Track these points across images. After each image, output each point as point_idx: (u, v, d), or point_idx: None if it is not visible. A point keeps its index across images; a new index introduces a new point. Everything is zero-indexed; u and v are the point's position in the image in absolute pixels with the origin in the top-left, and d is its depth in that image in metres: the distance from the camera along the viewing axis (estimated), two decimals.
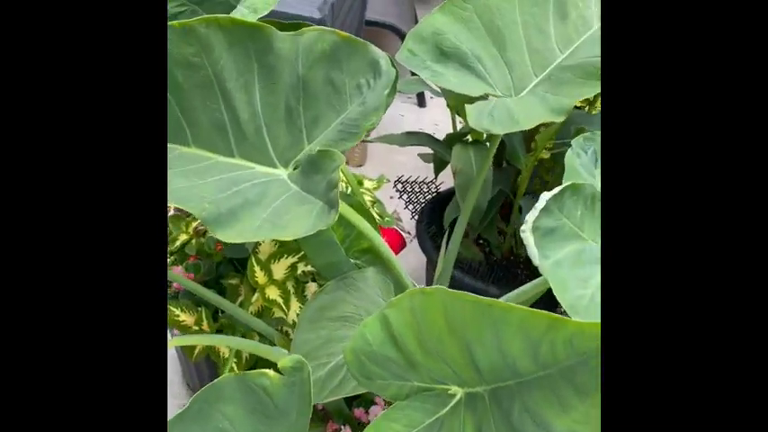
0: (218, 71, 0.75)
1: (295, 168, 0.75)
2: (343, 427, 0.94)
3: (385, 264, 0.89)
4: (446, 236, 1.16)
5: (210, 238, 1.11)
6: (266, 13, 0.80)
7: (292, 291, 1.01)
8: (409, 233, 1.60)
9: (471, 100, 0.83)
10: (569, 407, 0.54)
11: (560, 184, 1.35)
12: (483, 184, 1.21)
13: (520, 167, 1.29)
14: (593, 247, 0.60)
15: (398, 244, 1.36)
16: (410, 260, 1.62)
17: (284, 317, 1.00)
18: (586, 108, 1.29)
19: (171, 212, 1.14)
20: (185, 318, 1.04)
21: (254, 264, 1.00)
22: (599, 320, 0.49)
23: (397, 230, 1.31)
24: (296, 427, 0.61)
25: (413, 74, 0.88)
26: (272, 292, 0.99)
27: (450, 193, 1.51)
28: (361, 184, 1.17)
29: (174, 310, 1.04)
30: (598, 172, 0.70)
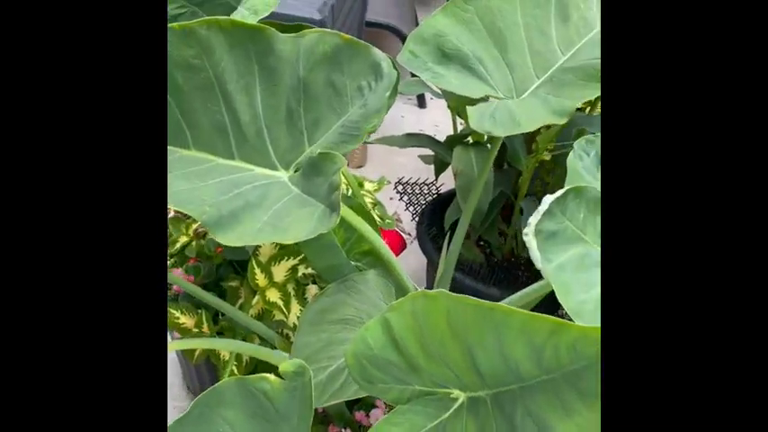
0: (218, 73, 0.74)
1: (296, 171, 0.75)
2: (343, 430, 0.94)
3: (386, 266, 0.88)
4: (447, 237, 1.16)
5: (210, 240, 1.11)
6: (267, 14, 0.80)
7: (293, 293, 1.01)
8: (410, 234, 1.59)
9: (472, 102, 0.83)
10: (573, 411, 0.54)
11: (561, 185, 1.34)
12: (484, 186, 1.21)
13: (521, 169, 1.29)
14: (596, 250, 0.60)
15: (399, 245, 1.36)
16: (410, 262, 1.61)
17: (285, 319, 0.99)
18: (587, 110, 1.28)
19: (171, 214, 1.14)
20: (185, 320, 1.03)
21: (255, 266, 1.00)
22: None
23: (397, 232, 1.30)
24: (297, 431, 0.61)
25: (413, 75, 0.88)
26: (273, 295, 0.99)
27: (450, 195, 1.50)
28: (361, 185, 1.16)
29: (174, 312, 1.03)
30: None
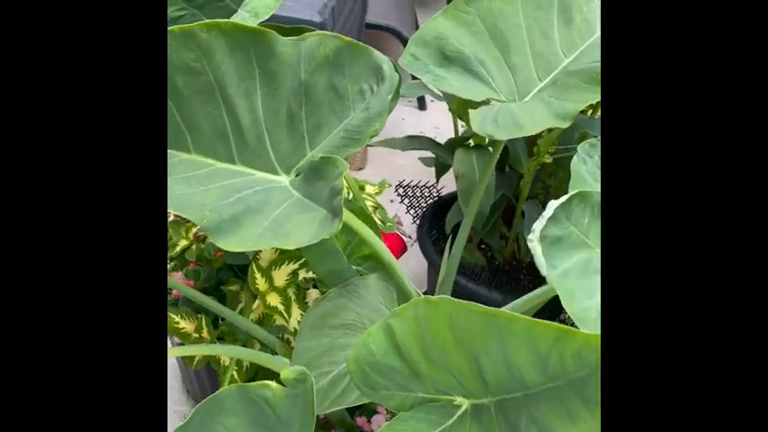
0: (219, 76, 0.74)
1: (297, 175, 0.74)
2: None
3: (387, 270, 0.88)
4: (449, 241, 1.15)
5: (211, 244, 1.10)
6: (267, 17, 0.79)
7: (293, 297, 1.00)
8: (410, 237, 1.59)
9: (474, 105, 0.82)
10: (578, 418, 0.53)
11: (563, 188, 1.34)
12: (485, 189, 1.20)
13: (522, 172, 1.29)
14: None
15: (399, 248, 1.35)
16: (411, 264, 1.61)
17: (285, 324, 0.99)
18: (590, 113, 1.28)
19: (171, 218, 1.13)
20: (185, 325, 1.03)
21: (255, 270, 0.99)
22: None
23: (398, 235, 1.30)
24: None
25: (413, 77, 0.87)
26: (273, 299, 0.98)
27: (451, 198, 1.50)
28: (362, 189, 1.16)
29: (174, 317, 1.03)
30: None
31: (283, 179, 0.75)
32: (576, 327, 0.54)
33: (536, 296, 0.81)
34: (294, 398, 0.62)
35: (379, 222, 1.12)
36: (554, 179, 1.32)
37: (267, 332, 0.99)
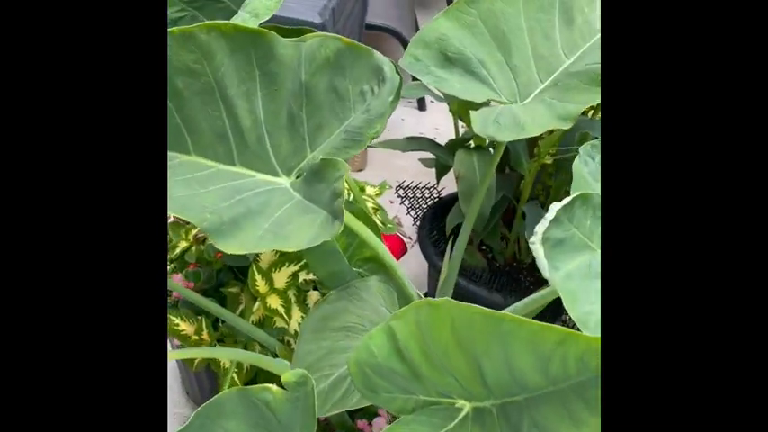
0: (219, 78, 0.74)
1: (298, 177, 0.74)
2: None
3: (388, 272, 0.87)
4: (450, 242, 1.15)
5: (210, 246, 1.10)
6: (268, 18, 0.79)
7: (294, 299, 1.00)
8: (410, 238, 1.59)
9: (475, 106, 0.82)
10: (580, 422, 0.53)
11: (563, 189, 1.34)
12: (486, 191, 1.20)
13: (523, 173, 1.28)
14: None
15: (399, 249, 1.35)
16: (411, 266, 1.60)
17: (286, 326, 0.98)
18: (590, 113, 1.28)
19: (170, 219, 1.13)
20: (185, 327, 1.02)
21: (255, 272, 0.99)
22: None
23: (398, 236, 1.30)
24: None
25: (414, 78, 0.87)
26: (274, 302, 0.98)
27: (452, 199, 1.49)
28: (363, 190, 1.16)
29: (174, 319, 1.02)
30: None
31: (284, 181, 0.74)
32: (579, 329, 0.54)
33: (538, 299, 0.81)
34: (295, 401, 0.61)
35: (379, 224, 1.12)
36: (555, 180, 1.32)
37: (267, 334, 0.98)
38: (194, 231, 1.12)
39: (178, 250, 1.11)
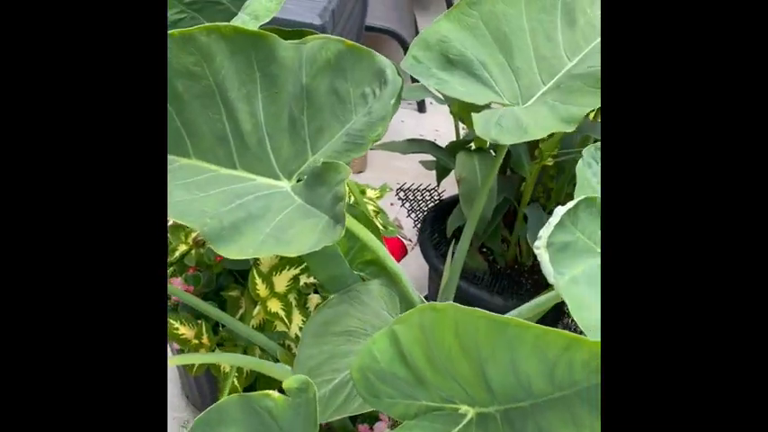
0: (219, 81, 0.73)
1: (298, 180, 0.73)
2: None
3: (390, 276, 0.87)
4: (452, 245, 1.14)
5: (210, 249, 1.09)
6: (268, 20, 0.78)
7: (294, 303, 0.99)
8: (410, 240, 1.58)
9: (477, 108, 0.81)
10: (585, 427, 0.53)
11: (564, 191, 1.33)
12: (488, 193, 1.19)
13: (524, 175, 1.28)
14: None
15: (399, 252, 1.34)
16: (411, 268, 1.60)
17: (286, 330, 0.98)
18: (592, 116, 1.27)
19: (170, 222, 1.12)
20: (185, 331, 1.02)
21: (256, 276, 0.98)
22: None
23: (398, 238, 1.29)
24: None
25: (413, 80, 0.87)
26: (274, 305, 0.97)
27: (452, 201, 1.49)
28: (363, 193, 1.15)
29: (174, 323, 1.02)
30: None
31: (285, 184, 0.74)
32: (584, 334, 0.53)
33: (542, 302, 0.80)
34: (297, 408, 0.61)
35: (380, 227, 1.11)
36: (556, 182, 1.31)
37: (268, 338, 0.97)
38: (194, 234, 1.12)
39: (177, 253, 1.10)
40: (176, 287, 1.01)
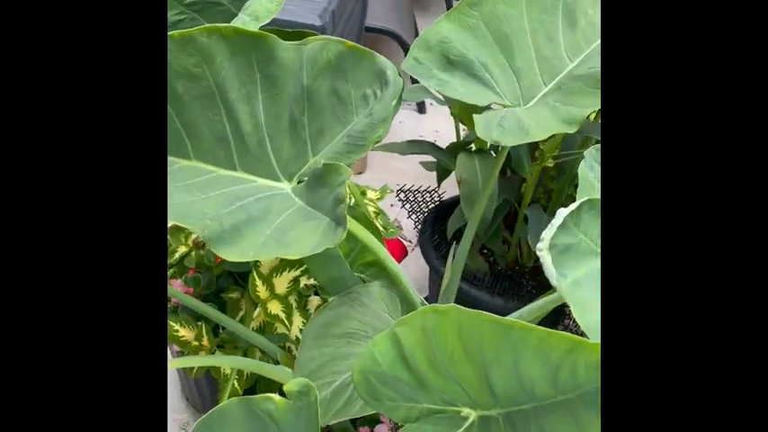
0: (219, 82, 0.73)
1: (299, 182, 0.73)
2: None
3: (391, 277, 0.86)
4: (453, 247, 1.14)
5: (210, 251, 1.09)
6: (268, 21, 0.78)
7: (295, 305, 0.99)
8: (411, 242, 1.58)
9: (477, 109, 0.81)
10: (588, 431, 0.52)
11: (565, 192, 1.33)
12: (489, 194, 1.19)
13: (525, 176, 1.27)
14: None
15: (400, 253, 1.34)
16: (411, 269, 1.59)
17: (287, 332, 0.97)
18: (592, 117, 1.27)
19: (170, 224, 1.12)
20: (185, 333, 1.01)
21: (256, 278, 0.98)
22: None
23: (398, 239, 1.29)
24: None
25: (414, 81, 0.86)
26: (275, 307, 0.97)
27: (453, 202, 1.49)
28: (364, 194, 1.15)
29: (174, 325, 1.01)
30: None
31: (285, 186, 0.73)
32: (587, 337, 0.53)
33: (544, 305, 0.80)
34: (298, 411, 0.60)
35: (381, 228, 1.11)
36: (556, 183, 1.31)
37: (268, 340, 0.97)
38: (194, 236, 1.11)
39: (177, 255, 1.10)
40: (176, 289, 1.01)
